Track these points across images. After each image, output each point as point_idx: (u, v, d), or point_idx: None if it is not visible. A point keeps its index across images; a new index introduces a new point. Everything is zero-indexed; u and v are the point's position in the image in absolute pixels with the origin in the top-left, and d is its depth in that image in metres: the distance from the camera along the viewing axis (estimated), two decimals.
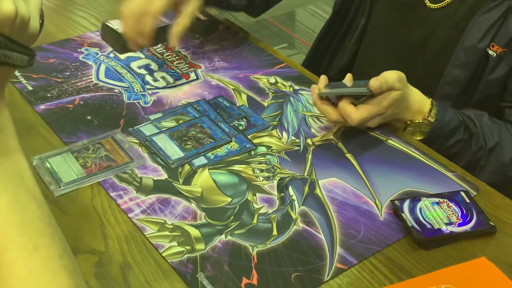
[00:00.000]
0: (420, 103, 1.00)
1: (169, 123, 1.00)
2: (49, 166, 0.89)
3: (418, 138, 1.01)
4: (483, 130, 1.02)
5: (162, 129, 0.98)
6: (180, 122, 1.00)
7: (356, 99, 0.97)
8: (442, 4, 1.09)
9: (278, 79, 1.14)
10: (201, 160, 0.93)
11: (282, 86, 1.12)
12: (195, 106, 1.04)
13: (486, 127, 1.03)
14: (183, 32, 1.04)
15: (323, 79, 0.99)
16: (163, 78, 1.12)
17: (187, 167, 0.92)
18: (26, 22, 0.53)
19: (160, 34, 1.12)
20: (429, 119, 1.00)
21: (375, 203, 0.88)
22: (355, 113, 0.93)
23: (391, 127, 1.03)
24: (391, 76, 0.94)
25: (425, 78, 1.00)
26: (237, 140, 0.98)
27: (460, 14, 1.06)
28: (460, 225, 0.83)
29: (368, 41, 1.24)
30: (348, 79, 0.98)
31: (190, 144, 0.95)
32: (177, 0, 1.03)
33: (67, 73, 1.12)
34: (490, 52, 1.02)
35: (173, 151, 0.94)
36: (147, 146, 0.95)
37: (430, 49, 1.11)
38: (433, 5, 1.10)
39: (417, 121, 1.00)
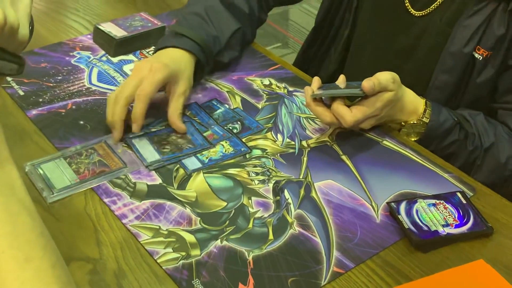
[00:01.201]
0: (414, 103, 1.00)
1: (157, 128, 0.99)
2: (41, 172, 0.88)
3: (413, 139, 1.01)
4: (478, 130, 1.02)
5: (145, 132, 0.97)
6: (163, 127, 0.99)
7: (350, 100, 0.96)
8: (427, 11, 1.08)
9: (273, 81, 1.13)
10: (196, 164, 0.92)
11: (277, 88, 1.11)
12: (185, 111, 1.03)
13: (481, 127, 1.02)
14: (180, 115, 0.99)
15: (316, 80, 0.99)
16: None
17: (181, 171, 0.91)
18: (15, 29, 0.53)
19: (154, 37, 1.11)
20: (423, 119, 0.99)
21: (372, 205, 0.87)
22: (349, 115, 0.93)
23: (386, 128, 1.02)
24: (385, 76, 0.93)
25: (412, 85, 1.00)
26: (231, 143, 0.97)
27: (444, 20, 1.06)
28: (457, 226, 0.82)
29: (354, 50, 1.23)
30: (341, 80, 0.98)
31: (168, 149, 0.94)
32: (167, 81, 0.98)
33: (59, 78, 1.11)
34: (476, 55, 1.02)
35: (150, 154, 0.93)
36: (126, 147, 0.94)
37: (416, 56, 1.11)
38: (417, 12, 1.10)
39: (411, 122, 1.00)
